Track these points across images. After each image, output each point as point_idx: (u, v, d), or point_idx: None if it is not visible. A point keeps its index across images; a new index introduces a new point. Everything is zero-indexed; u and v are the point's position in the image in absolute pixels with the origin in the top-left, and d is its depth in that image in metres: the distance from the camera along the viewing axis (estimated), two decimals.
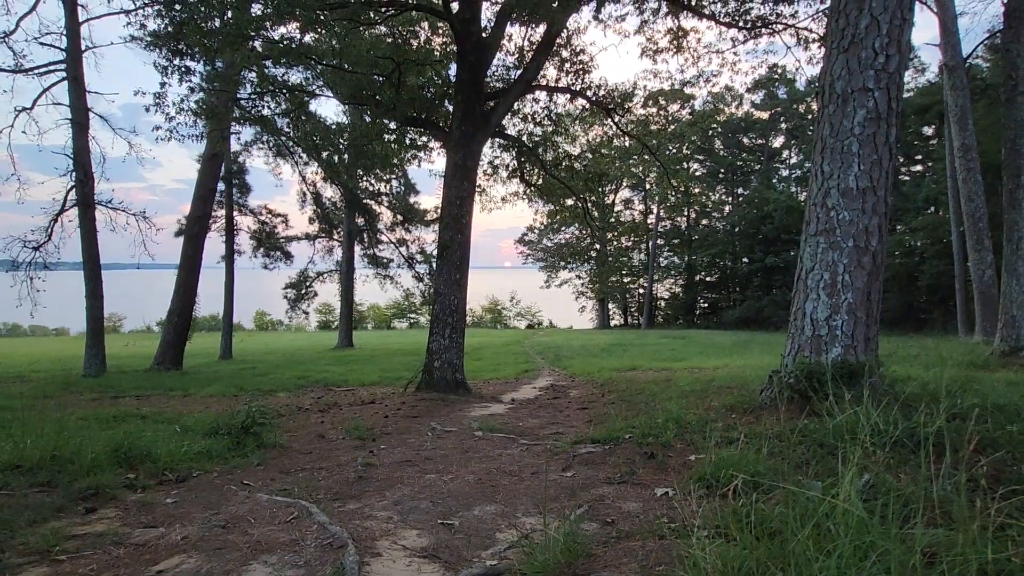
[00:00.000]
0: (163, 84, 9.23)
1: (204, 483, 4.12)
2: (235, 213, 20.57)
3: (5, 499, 3.50)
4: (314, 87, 10.62)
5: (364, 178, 22.41)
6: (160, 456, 4.37)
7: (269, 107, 11.15)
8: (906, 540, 1.92)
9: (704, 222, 41.97)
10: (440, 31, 11.49)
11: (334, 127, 14.70)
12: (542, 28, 9.98)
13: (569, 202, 15.01)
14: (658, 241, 41.34)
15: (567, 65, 11.41)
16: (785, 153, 41.54)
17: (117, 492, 3.77)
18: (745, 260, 37.49)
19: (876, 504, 2.02)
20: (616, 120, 12.20)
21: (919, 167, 31.86)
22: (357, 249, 24.05)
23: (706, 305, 41.84)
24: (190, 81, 9.28)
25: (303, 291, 24.67)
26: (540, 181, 13.53)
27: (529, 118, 12.61)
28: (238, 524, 3.27)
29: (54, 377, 12.34)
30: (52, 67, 13.69)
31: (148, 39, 8.87)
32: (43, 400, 8.50)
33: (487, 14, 10.03)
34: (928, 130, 29.82)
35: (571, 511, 3.16)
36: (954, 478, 2.29)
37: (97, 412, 6.84)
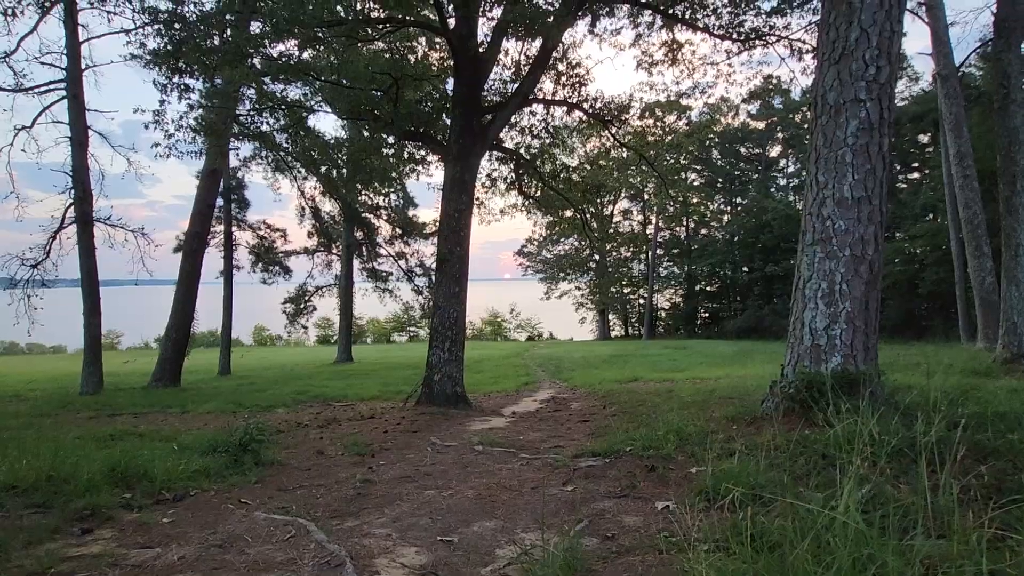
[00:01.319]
0: (162, 102, 9.27)
1: (201, 502, 4.09)
2: (234, 228, 20.58)
3: (0, 521, 3.48)
4: (312, 103, 10.69)
5: (363, 192, 22.45)
6: (157, 475, 4.34)
7: (268, 123, 11.25)
8: (904, 552, 1.90)
9: (703, 232, 42.02)
10: (437, 46, 11.60)
11: (332, 142, 14.79)
12: (538, 42, 10.07)
13: (568, 213, 15.05)
14: (657, 251, 41.37)
15: (563, 78, 11.50)
16: (782, 162, 41.71)
17: (113, 512, 3.74)
18: (745, 269, 37.48)
19: (875, 515, 2.01)
20: (613, 132, 12.27)
21: (916, 175, 31.97)
22: (356, 263, 24.04)
23: (707, 315, 41.74)
24: (189, 98, 9.36)
25: (302, 305, 24.62)
26: (538, 193, 13.58)
27: (527, 131, 12.68)
28: (235, 543, 3.24)
29: (51, 396, 12.27)
30: (52, 86, 13.78)
31: (148, 57, 8.93)
32: (39, 419, 8.47)
33: (484, 29, 10.13)
34: (924, 138, 29.94)
35: (571, 526, 3.14)
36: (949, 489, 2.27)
37: (94, 431, 6.80)
